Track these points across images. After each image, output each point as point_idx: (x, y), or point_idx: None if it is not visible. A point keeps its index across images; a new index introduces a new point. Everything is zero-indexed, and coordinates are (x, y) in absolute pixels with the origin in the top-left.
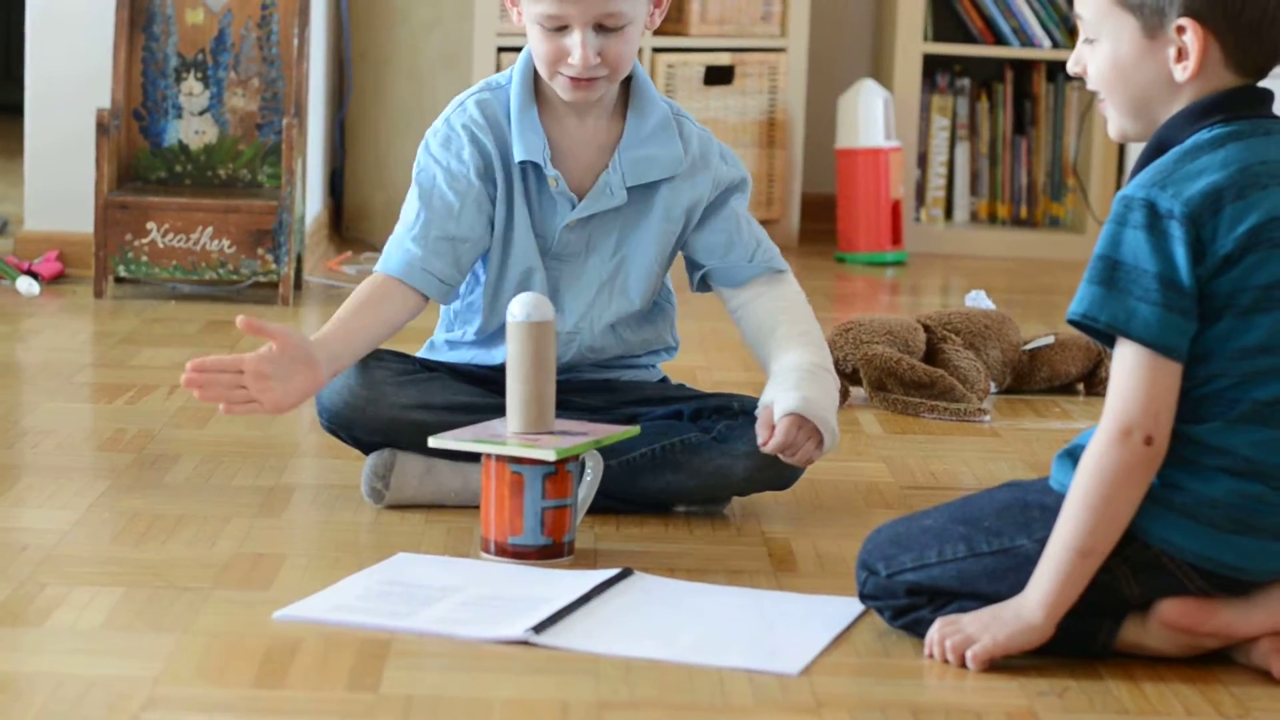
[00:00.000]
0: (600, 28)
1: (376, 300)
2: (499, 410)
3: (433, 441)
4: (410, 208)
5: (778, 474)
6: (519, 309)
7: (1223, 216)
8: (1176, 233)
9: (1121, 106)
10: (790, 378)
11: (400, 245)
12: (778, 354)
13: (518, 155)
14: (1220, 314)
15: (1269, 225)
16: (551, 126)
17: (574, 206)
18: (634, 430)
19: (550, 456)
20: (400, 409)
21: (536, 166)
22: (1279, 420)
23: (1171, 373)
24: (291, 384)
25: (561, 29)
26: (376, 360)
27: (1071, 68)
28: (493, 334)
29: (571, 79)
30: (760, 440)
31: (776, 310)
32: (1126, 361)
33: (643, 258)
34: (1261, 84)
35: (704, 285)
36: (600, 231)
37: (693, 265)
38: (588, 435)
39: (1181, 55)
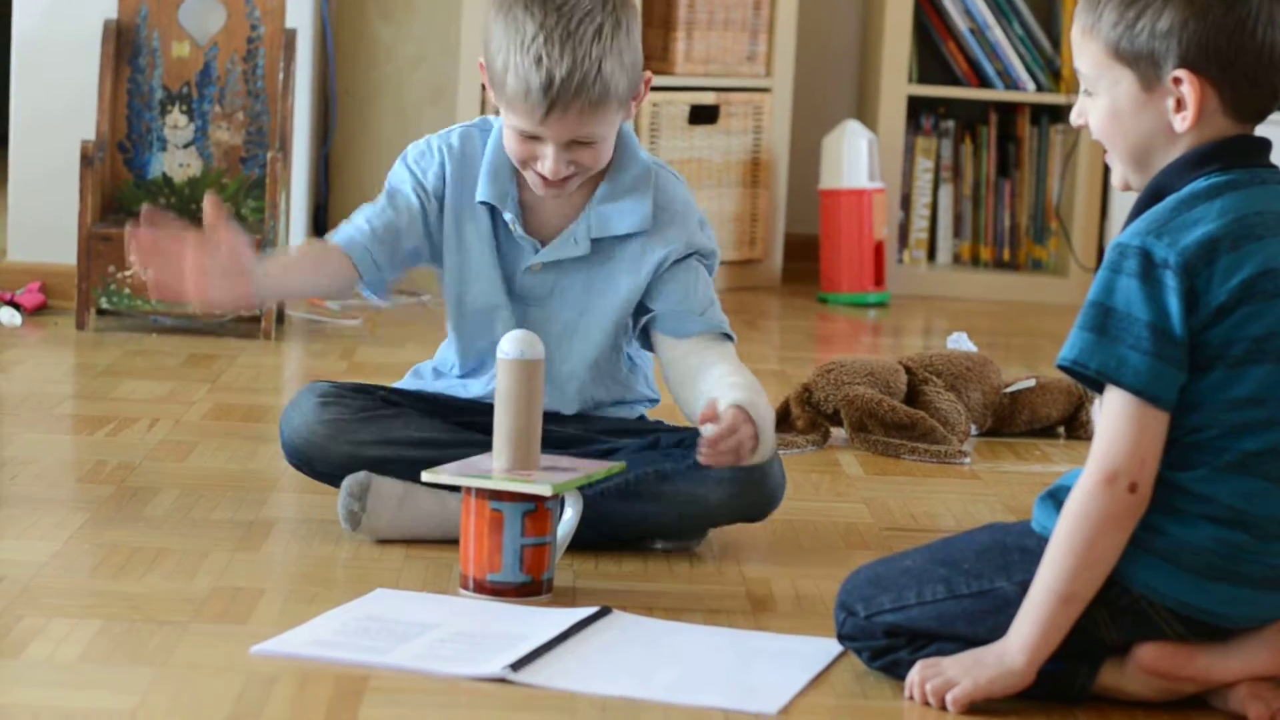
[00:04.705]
0: (573, 143)
1: (319, 256)
2: (463, 445)
3: (426, 476)
4: (380, 198)
5: (753, 503)
6: (510, 346)
7: (1217, 267)
8: (1170, 282)
9: (1124, 157)
10: (740, 388)
11: (355, 222)
12: (721, 378)
13: (479, 195)
14: (1211, 364)
15: (1263, 277)
16: (524, 184)
17: (536, 251)
18: (620, 465)
19: (546, 492)
20: (359, 445)
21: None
22: (1265, 471)
23: (1159, 421)
24: (221, 285)
25: (535, 139)
26: (337, 397)
27: (1074, 120)
28: (473, 369)
29: (541, 179)
30: (701, 421)
31: (719, 360)
32: (1115, 408)
33: (609, 309)
34: (1259, 131)
35: (645, 336)
36: (565, 279)
37: (640, 310)
38: (576, 471)
39: (1180, 105)
